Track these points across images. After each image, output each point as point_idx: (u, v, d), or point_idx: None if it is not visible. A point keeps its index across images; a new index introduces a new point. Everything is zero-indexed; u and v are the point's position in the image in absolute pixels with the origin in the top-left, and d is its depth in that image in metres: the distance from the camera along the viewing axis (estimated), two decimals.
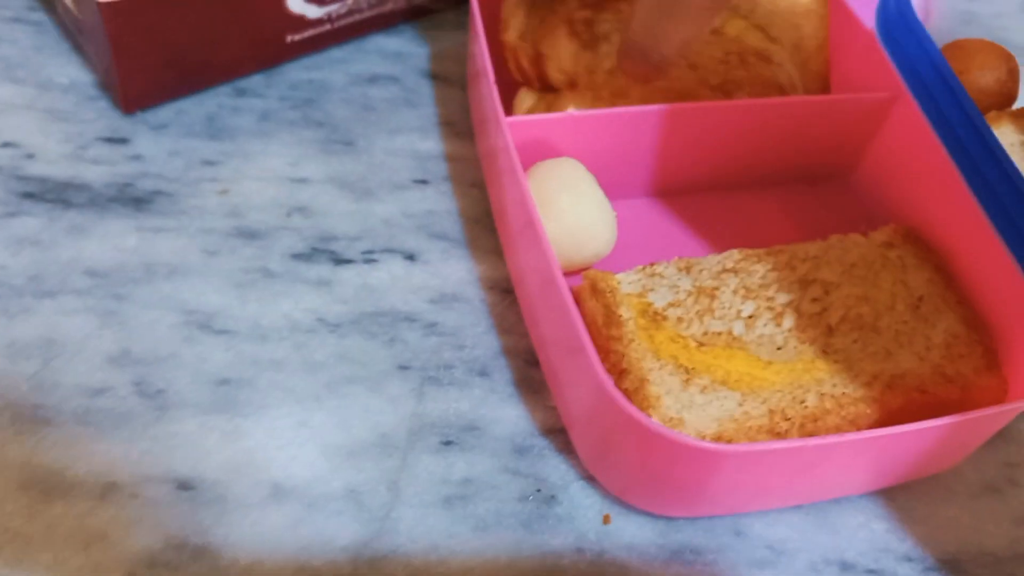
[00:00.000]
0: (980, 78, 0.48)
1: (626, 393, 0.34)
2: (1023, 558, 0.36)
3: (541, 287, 0.36)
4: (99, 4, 0.40)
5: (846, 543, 0.36)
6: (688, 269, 0.39)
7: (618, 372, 0.35)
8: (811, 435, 0.33)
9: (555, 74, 0.43)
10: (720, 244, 0.40)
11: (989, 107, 0.48)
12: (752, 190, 0.46)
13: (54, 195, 0.42)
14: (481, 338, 0.40)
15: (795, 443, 0.31)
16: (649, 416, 0.33)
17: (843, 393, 0.35)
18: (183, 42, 0.44)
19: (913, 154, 0.43)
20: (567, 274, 0.40)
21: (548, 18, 0.45)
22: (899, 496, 0.38)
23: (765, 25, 0.47)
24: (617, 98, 0.44)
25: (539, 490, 0.36)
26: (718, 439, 0.33)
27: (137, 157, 0.44)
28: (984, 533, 0.37)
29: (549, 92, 0.44)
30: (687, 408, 0.34)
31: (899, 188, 0.44)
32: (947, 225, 0.41)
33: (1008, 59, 0.48)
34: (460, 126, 0.48)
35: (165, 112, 0.46)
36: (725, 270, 0.39)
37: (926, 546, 0.36)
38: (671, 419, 0.33)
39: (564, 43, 0.44)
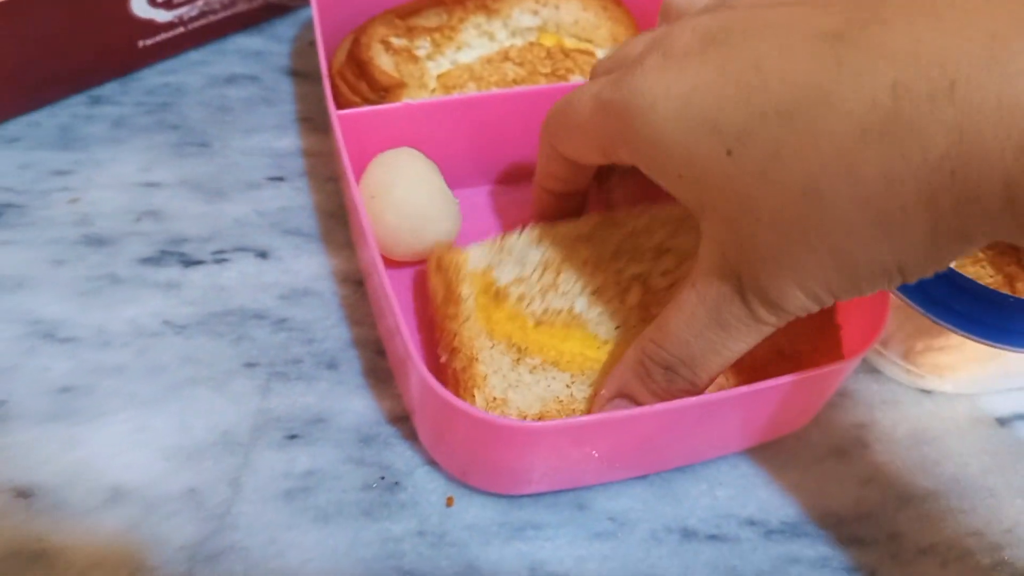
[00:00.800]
0: None
1: (455, 372, 0.35)
2: (866, 517, 0.37)
3: (374, 277, 0.37)
4: None
5: (688, 511, 0.37)
6: (540, 238, 0.38)
7: (450, 351, 0.35)
8: None
9: (381, 76, 0.44)
10: None
11: None
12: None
13: None
14: (331, 331, 0.40)
15: (594, 419, 0.31)
16: (475, 396, 0.33)
17: None
18: (28, 56, 0.44)
19: None
20: (417, 263, 0.41)
21: (361, 37, 0.46)
22: (743, 463, 0.38)
23: (574, 33, 0.49)
24: (449, 92, 0.45)
25: (383, 477, 0.36)
26: (540, 419, 0.33)
27: None
28: (828, 495, 0.38)
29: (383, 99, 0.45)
30: (513, 388, 0.34)
31: None
32: None
33: None
34: (318, 121, 0.48)
35: (16, 126, 0.46)
36: (579, 237, 0.38)
37: (769, 510, 0.37)
38: (495, 399, 0.34)
39: (383, 57, 0.45)
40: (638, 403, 0.32)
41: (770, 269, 0.27)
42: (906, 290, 0.36)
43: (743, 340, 0.30)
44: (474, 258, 0.38)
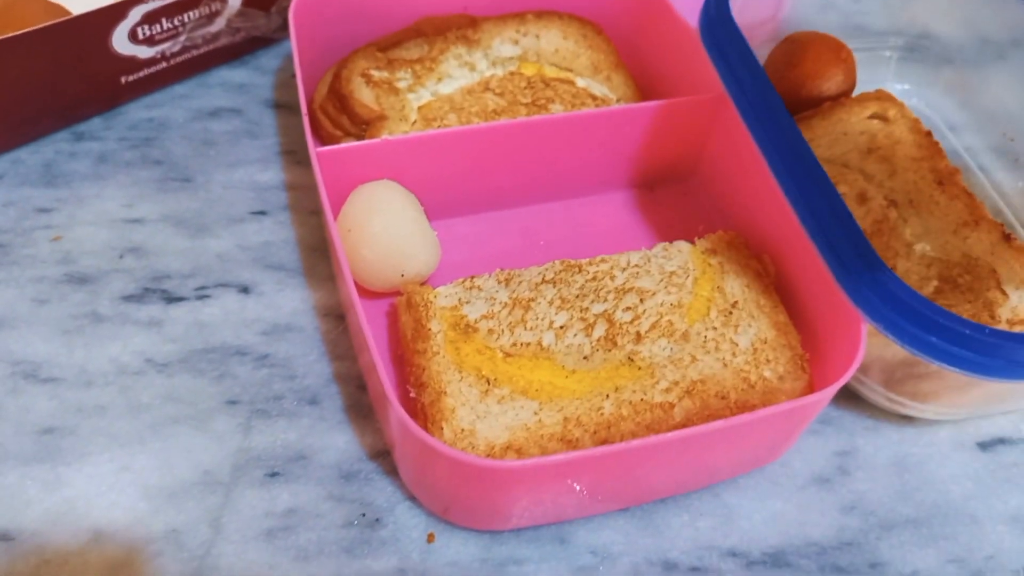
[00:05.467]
0: (814, 75, 0.48)
1: (423, 407, 0.35)
2: (849, 546, 0.37)
3: (349, 310, 0.37)
4: None
5: (669, 543, 0.37)
6: (508, 281, 0.39)
7: (419, 386, 0.36)
8: (604, 441, 0.34)
9: (361, 109, 0.44)
10: (551, 256, 0.41)
11: (826, 98, 0.49)
12: (591, 198, 0.47)
13: None
14: (313, 366, 0.40)
15: (574, 455, 0.31)
16: (443, 428, 0.34)
17: (641, 399, 0.35)
18: (12, 94, 0.44)
19: (738, 157, 0.44)
20: (395, 294, 0.41)
21: (341, 71, 0.46)
22: (725, 493, 0.38)
23: (555, 61, 0.49)
24: (430, 124, 0.45)
25: (364, 514, 0.36)
26: (508, 447, 0.33)
27: None
28: (810, 524, 0.38)
29: (364, 135, 0.45)
30: (481, 419, 0.34)
31: (729, 192, 0.45)
32: (768, 228, 0.41)
33: (838, 49, 0.49)
34: (301, 154, 0.48)
35: (1, 163, 0.46)
36: (545, 281, 0.39)
37: (751, 541, 0.37)
38: (463, 430, 0.34)
39: (363, 90, 0.45)
40: None
41: None
42: (883, 322, 0.36)
43: None
44: (443, 296, 0.38)
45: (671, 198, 0.48)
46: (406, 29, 0.49)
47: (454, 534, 0.36)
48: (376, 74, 0.47)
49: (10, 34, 0.42)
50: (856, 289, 0.35)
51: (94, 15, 0.44)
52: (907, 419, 0.41)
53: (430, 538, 0.36)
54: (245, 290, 0.43)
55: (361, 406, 0.39)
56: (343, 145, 0.40)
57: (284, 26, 0.52)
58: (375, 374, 0.34)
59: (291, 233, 0.45)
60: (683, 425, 0.35)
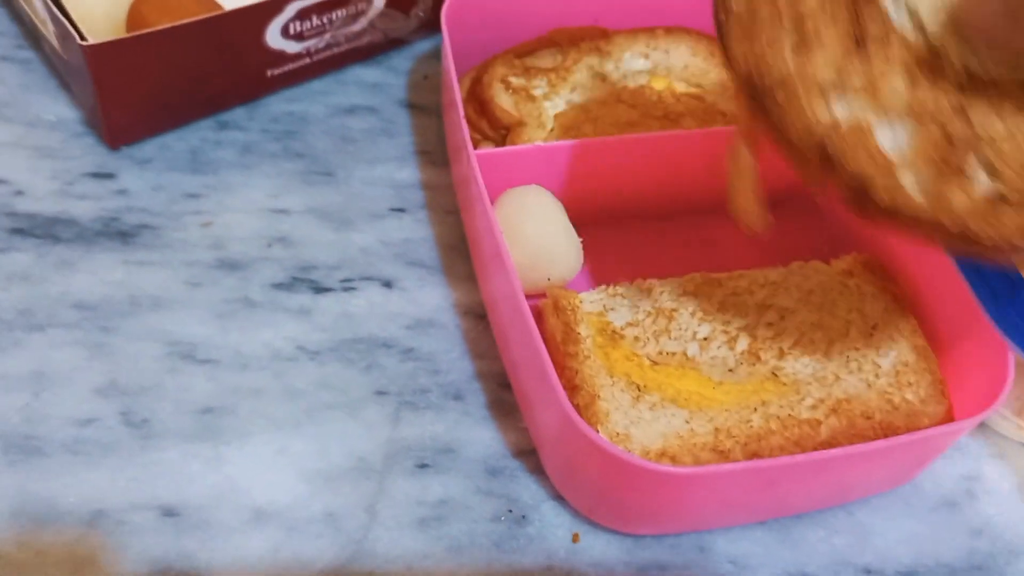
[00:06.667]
0: None
1: (577, 408, 0.36)
2: (978, 569, 0.38)
3: (509, 312, 0.38)
4: (83, 47, 0.41)
5: (807, 557, 0.37)
6: (649, 291, 0.40)
7: (571, 388, 0.37)
8: (754, 454, 0.35)
9: (501, 114, 0.45)
10: (685, 268, 0.41)
11: None
12: (718, 215, 0.48)
13: (43, 231, 0.44)
14: (455, 363, 0.41)
15: (727, 467, 0.32)
16: (598, 431, 0.35)
17: (788, 415, 0.36)
18: (166, 80, 0.46)
19: None
20: (536, 296, 0.42)
21: (483, 76, 0.47)
22: (859, 511, 0.39)
23: (684, 77, 0.50)
24: (567, 132, 0.46)
25: (511, 510, 0.37)
26: (662, 454, 0.34)
27: (122, 192, 0.45)
28: (941, 545, 0.38)
29: (502, 139, 0.46)
30: (635, 424, 0.35)
31: None
32: (906, 253, 0.42)
33: None
34: (436, 155, 0.49)
35: (149, 147, 0.48)
36: (685, 293, 0.40)
37: (884, 559, 0.38)
38: (618, 434, 0.35)
39: (503, 96, 0.46)
40: None
41: None
42: None
43: None
44: (588, 301, 0.39)
45: (795, 214, 0.48)
46: (540, 38, 0.50)
47: (598, 535, 0.37)
48: (514, 81, 0.48)
49: (169, 24, 0.43)
50: (1003, 316, 0.36)
51: (253, 9, 0.45)
52: None
53: (575, 538, 0.37)
54: (388, 284, 0.44)
55: (503, 404, 0.40)
56: (498, 149, 0.41)
57: (420, 28, 0.53)
58: (533, 371, 0.35)
59: (429, 231, 0.46)
60: (829, 442, 0.36)
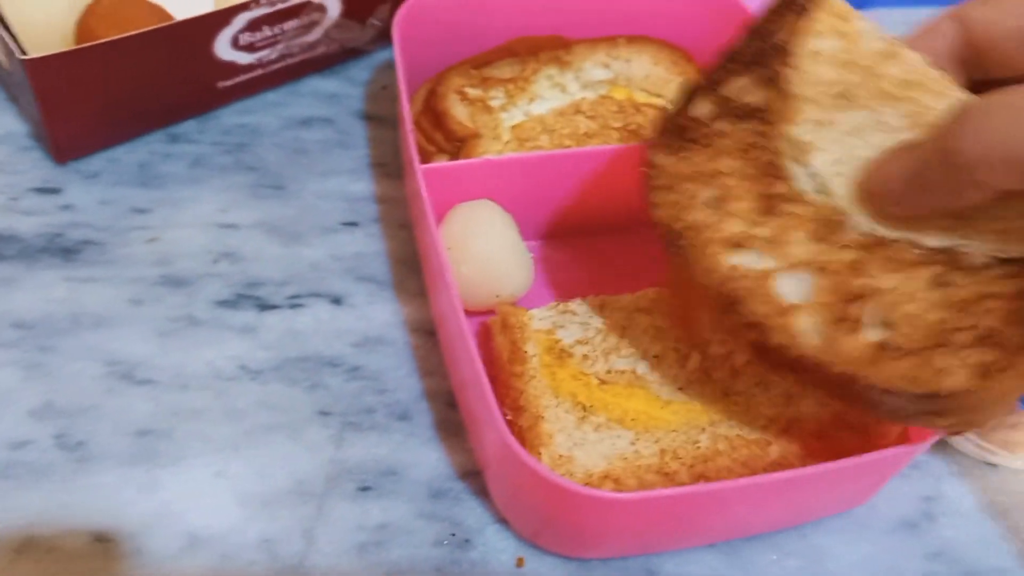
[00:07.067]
0: None
1: (520, 430, 0.35)
2: None
3: (450, 329, 0.37)
4: (23, 61, 0.40)
5: None
6: (602, 307, 0.39)
7: (516, 409, 0.36)
8: (701, 476, 0.34)
9: (456, 127, 0.44)
10: (639, 284, 0.41)
11: None
12: None
13: None
14: (403, 381, 0.40)
15: (668, 492, 0.32)
16: (540, 453, 0.34)
17: (737, 435, 0.35)
18: (113, 94, 0.45)
19: None
20: (487, 313, 0.41)
21: (438, 88, 0.46)
22: (813, 533, 0.38)
23: (645, 87, 0.49)
24: (523, 144, 0.45)
25: (454, 534, 0.36)
26: (606, 476, 0.34)
27: (68, 207, 0.45)
28: (897, 568, 0.38)
29: (457, 152, 0.45)
30: (579, 445, 0.34)
31: None
32: None
33: None
34: (392, 167, 0.49)
35: (98, 161, 0.47)
36: (639, 309, 0.39)
37: None
38: (561, 456, 0.34)
39: (458, 108, 0.46)
40: None
41: None
42: None
43: None
44: (538, 319, 0.39)
45: None
46: (499, 48, 0.49)
47: (543, 560, 0.36)
48: (471, 92, 0.47)
49: (119, 35, 0.42)
50: None
51: (201, 20, 0.44)
52: (991, 467, 0.41)
53: (519, 562, 0.36)
54: (337, 301, 0.43)
55: (451, 424, 0.39)
56: (446, 163, 0.40)
57: (377, 38, 0.53)
58: (475, 393, 0.34)
59: (382, 245, 0.45)
60: (779, 463, 0.35)
